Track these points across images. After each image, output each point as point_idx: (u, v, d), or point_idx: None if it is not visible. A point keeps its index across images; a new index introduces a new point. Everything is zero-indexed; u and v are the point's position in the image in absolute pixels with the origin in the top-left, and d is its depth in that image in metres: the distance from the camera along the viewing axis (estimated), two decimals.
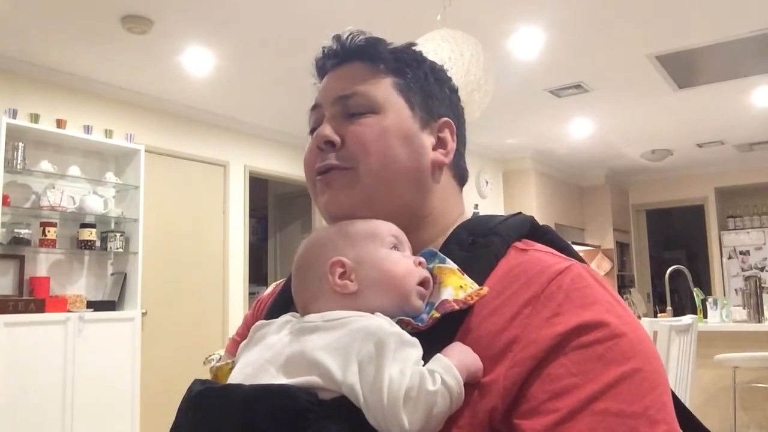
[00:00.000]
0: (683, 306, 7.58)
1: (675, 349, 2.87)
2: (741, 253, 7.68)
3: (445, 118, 0.76)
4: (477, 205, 6.38)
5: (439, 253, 0.68)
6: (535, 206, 6.92)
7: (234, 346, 0.85)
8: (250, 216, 5.71)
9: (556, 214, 7.43)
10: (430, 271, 0.66)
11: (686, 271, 4.77)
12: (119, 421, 4.09)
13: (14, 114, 3.93)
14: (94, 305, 4.17)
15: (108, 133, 4.45)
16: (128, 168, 4.50)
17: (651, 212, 8.76)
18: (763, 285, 4.66)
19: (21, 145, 3.96)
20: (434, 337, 0.60)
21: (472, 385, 0.57)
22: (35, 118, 4.06)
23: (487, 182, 6.74)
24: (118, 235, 4.36)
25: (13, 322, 3.65)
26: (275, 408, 0.54)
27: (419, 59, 0.77)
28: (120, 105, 4.64)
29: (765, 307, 4.48)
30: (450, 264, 0.66)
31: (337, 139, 0.71)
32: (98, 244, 4.31)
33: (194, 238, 5.07)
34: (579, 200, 8.15)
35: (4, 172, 3.82)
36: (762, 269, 7.46)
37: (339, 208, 0.71)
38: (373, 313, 0.61)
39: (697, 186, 7.97)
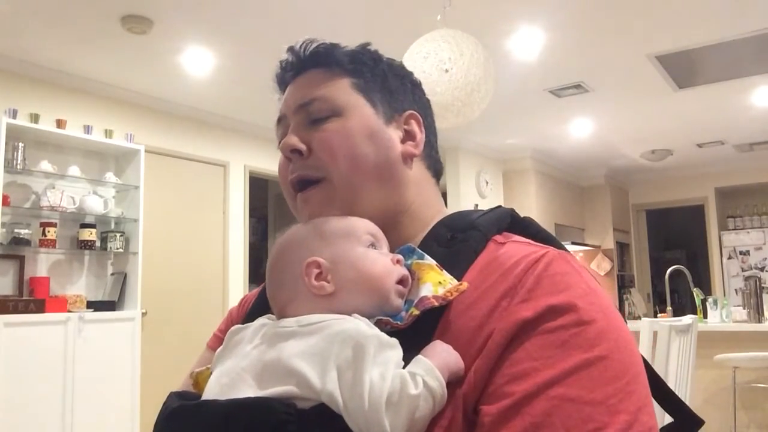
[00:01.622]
0: (683, 306, 7.59)
1: (675, 349, 2.86)
2: (741, 253, 7.67)
3: (410, 111, 0.76)
4: (477, 205, 6.38)
5: (417, 249, 0.67)
6: (535, 206, 6.92)
7: (216, 342, 0.84)
8: (250, 216, 5.71)
9: (556, 214, 7.43)
10: (409, 267, 0.65)
11: (686, 271, 4.77)
12: (119, 421, 4.08)
13: (14, 114, 3.93)
14: (94, 305, 4.17)
15: (108, 133, 4.45)
16: (128, 168, 4.50)
17: (651, 212, 8.76)
18: (763, 285, 4.65)
19: (21, 145, 3.96)
20: (414, 335, 0.59)
21: (453, 383, 0.56)
22: (35, 118, 4.06)
23: (487, 182, 6.73)
24: (118, 235, 4.36)
25: (13, 322, 3.65)
26: (253, 424, 0.53)
27: (376, 58, 0.77)
28: (120, 105, 4.64)
29: (765, 307, 4.48)
30: (428, 260, 0.65)
31: (303, 147, 0.71)
32: (98, 244, 4.31)
33: (194, 237, 5.07)
34: (579, 200, 8.14)
35: (4, 172, 3.82)
36: (762, 269, 7.46)
37: None
38: (350, 314, 0.60)
39: (697, 186, 7.97)
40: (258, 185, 6.08)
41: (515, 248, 0.65)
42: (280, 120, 0.77)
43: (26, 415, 3.65)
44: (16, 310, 3.70)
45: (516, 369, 0.54)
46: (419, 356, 0.56)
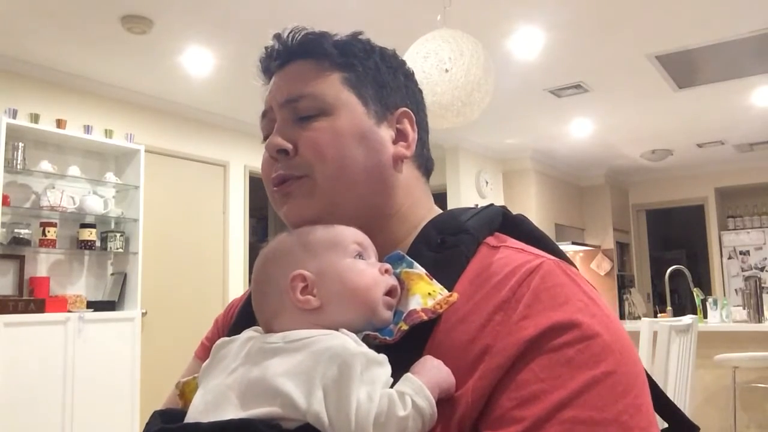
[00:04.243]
0: (683, 306, 7.59)
1: (675, 349, 2.86)
2: (741, 253, 7.67)
3: (403, 108, 0.72)
4: (477, 205, 6.36)
5: (407, 256, 0.64)
6: (535, 206, 6.92)
7: (202, 351, 0.81)
8: (250, 216, 5.71)
9: (556, 214, 7.43)
10: (398, 276, 0.63)
11: (686, 271, 4.77)
12: (119, 421, 4.08)
13: (14, 114, 3.93)
14: (94, 305, 4.17)
15: (108, 133, 4.45)
16: (128, 168, 4.50)
17: (651, 212, 8.76)
18: (763, 285, 4.66)
19: (21, 145, 3.96)
20: (403, 349, 0.57)
21: (445, 399, 0.54)
22: (35, 118, 4.06)
23: (487, 182, 6.73)
24: (118, 235, 4.36)
25: (13, 322, 3.65)
26: None
27: (367, 49, 0.72)
28: (120, 105, 4.64)
29: (765, 307, 4.48)
30: (418, 269, 0.63)
31: (289, 146, 0.67)
32: (98, 244, 4.31)
33: (194, 237, 5.07)
34: (579, 200, 8.14)
35: (4, 172, 3.82)
36: (762, 269, 7.46)
37: (301, 217, 0.67)
38: (338, 329, 0.58)
39: (697, 186, 7.96)
40: (258, 185, 6.07)
41: (509, 255, 0.62)
42: (265, 114, 0.73)
43: (26, 415, 3.65)
44: (16, 310, 3.70)
45: (524, 392, 0.52)
46: (408, 374, 0.54)
